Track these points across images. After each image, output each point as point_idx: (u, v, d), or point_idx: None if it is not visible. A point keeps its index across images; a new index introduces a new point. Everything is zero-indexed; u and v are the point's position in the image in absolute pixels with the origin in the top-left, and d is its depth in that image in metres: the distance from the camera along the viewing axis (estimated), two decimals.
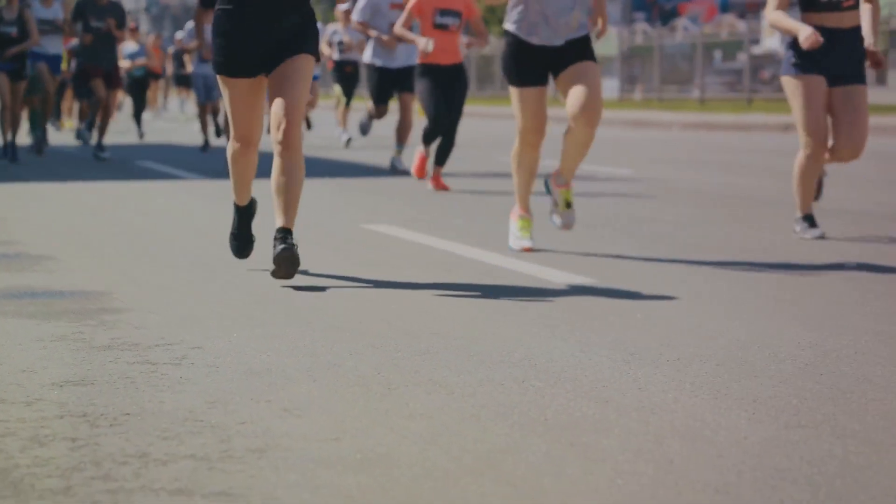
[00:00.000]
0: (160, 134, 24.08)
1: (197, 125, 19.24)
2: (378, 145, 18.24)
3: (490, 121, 29.70)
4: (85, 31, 15.79)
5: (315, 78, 17.52)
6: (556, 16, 6.75)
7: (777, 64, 33.68)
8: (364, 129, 15.61)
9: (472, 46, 11.25)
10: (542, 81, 6.89)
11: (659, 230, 8.08)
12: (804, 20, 7.44)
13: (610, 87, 36.49)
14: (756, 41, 35.41)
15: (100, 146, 16.02)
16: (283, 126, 5.75)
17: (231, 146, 6.11)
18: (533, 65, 6.84)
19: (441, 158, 11.34)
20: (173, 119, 33.73)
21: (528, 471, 2.98)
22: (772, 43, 36.14)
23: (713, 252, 6.97)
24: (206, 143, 18.37)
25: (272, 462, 3.05)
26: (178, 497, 2.79)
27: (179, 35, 25.95)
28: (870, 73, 23.81)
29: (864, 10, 7.58)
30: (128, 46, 22.60)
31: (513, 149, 7.13)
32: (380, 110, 14.01)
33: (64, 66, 18.32)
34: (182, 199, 10.90)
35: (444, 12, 11.17)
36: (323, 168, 13.86)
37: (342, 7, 18.76)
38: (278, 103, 5.76)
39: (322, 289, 5.72)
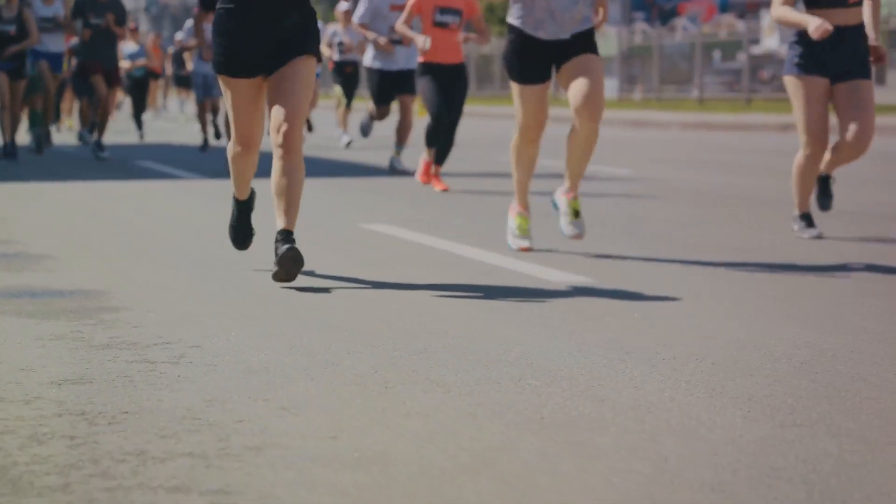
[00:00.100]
0: (160, 134, 24.09)
1: (197, 125, 19.24)
2: (378, 145, 18.25)
3: (490, 121, 29.72)
4: (85, 28, 15.81)
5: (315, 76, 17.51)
6: (561, 10, 6.73)
7: (776, 64, 33.69)
8: (365, 131, 15.58)
9: (468, 41, 11.18)
10: (544, 78, 6.87)
11: (658, 230, 8.10)
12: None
13: (609, 86, 36.48)
14: (755, 41, 35.43)
15: (99, 146, 16.03)
16: (283, 129, 5.74)
17: (232, 148, 6.11)
18: (536, 60, 6.82)
19: (440, 158, 11.34)
20: (173, 119, 33.75)
21: (523, 469, 2.99)
22: (771, 43, 36.16)
23: (712, 252, 6.99)
24: (206, 142, 18.38)
25: (269, 460, 3.07)
26: (175, 494, 2.81)
27: (179, 36, 25.96)
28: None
29: (866, 6, 7.58)
30: (127, 47, 22.61)
31: (512, 142, 7.12)
32: (381, 111, 14.02)
33: (64, 65, 18.31)
34: (181, 198, 10.92)
35: (444, 10, 11.17)
36: (323, 168, 13.87)
37: (342, 7, 18.77)
38: (279, 105, 5.75)
39: (321, 288, 5.73)
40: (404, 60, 13.22)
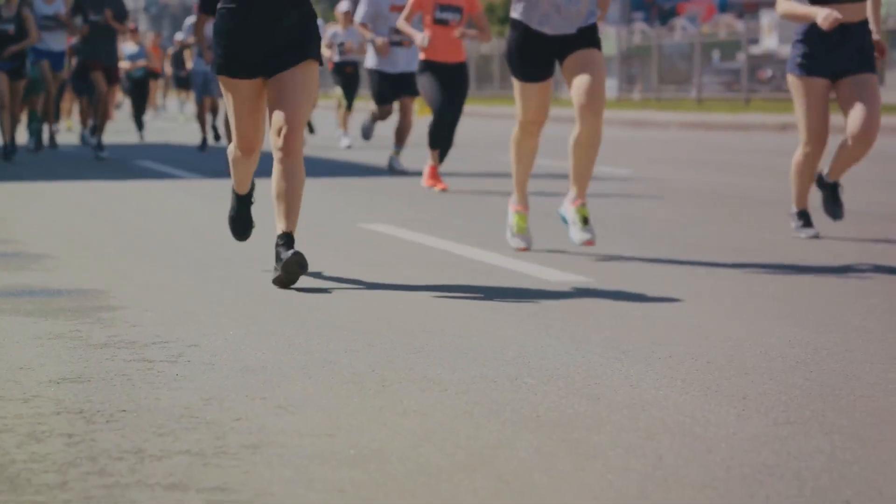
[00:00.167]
0: (159, 133, 24.11)
1: (197, 125, 19.25)
2: (378, 146, 18.27)
3: (490, 121, 29.74)
4: (84, 24, 15.81)
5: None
6: (567, 5, 6.69)
7: (775, 64, 33.73)
8: (366, 134, 15.44)
9: (465, 38, 11.11)
10: (546, 76, 6.84)
11: (657, 230, 8.12)
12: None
13: (609, 86, 36.37)
14: (755, 41, 35.44)
15: (99, 146, 16.04)
16: (284, 132, 5.72)
17: (232, 151, 6.10)
18: (540, 57, 6.78)
19: (439, 157, 11.34)
20: (172, 119, 33.77)
21: (519, 467, 3.01)
22: (770, 43, 36.18)
23: (711, 252, 7.00)
24: (204, 141, 18.39)
25: (266, 458, 3.09)
26: (172, 492, 2.83)
27: (179, 36, 25.98)
28: None
29: (868, 1, 7.56)
30: (127, 47, 22.62)
31: (512, 135, 7.09)
32: (383, 110, 13.95)
33: (65, 66, 18.32)
34: (180, 198, 10.94)
35: (445, 7, 11.16)
36: (323, 168, 13.89)
37: (342, 8, 18.78)
38: (280, 109, 5.74)
39: (320, 288, 5.75)
40: (405, 63, 13.22)
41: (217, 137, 19.52)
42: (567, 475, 2.94)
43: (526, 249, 7.07)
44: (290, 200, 5.80)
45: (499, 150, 16.50)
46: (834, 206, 7.77)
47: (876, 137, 7.42)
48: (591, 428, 3.34)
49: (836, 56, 7.41)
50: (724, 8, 50.82)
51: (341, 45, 18.45)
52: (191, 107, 34.55)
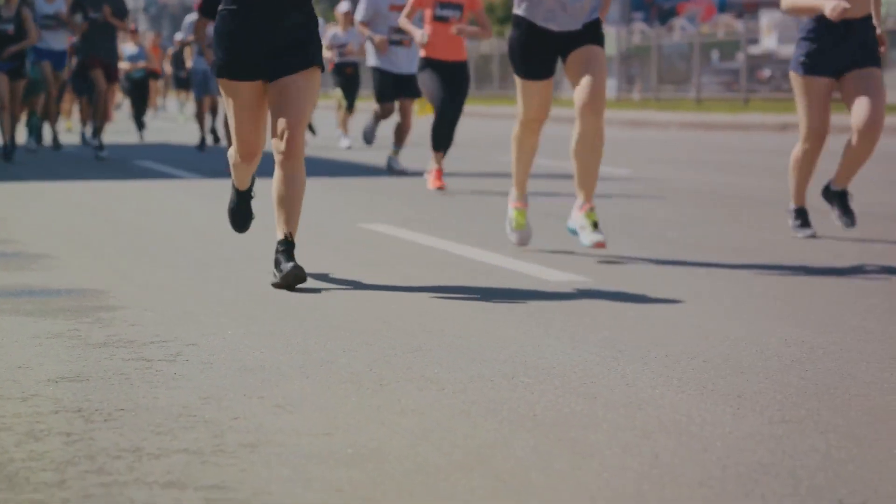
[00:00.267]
0: (158, 133, 24.13)
1: (196, 125, 19.26)
2: (377, 146, 18.26)
3: (489, 121, 29.75)
4: (83, 22, 15.82)
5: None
6: (572, 2, 6.65)
7: (774, 64, 33.73)
8: (368, 139, 15.19)
9: (462, 34, 11.04)
10: (549, 74, 6.80)
11: (656, 230, 8.13)
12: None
13: (608, 86, 36.20)
14: (754, 41, 35.45)
15: (99, 146, 16.05)
16: (285, 136, 5.71)
17: (233, 155, 6.07)
18: (543, 54, 6.74)
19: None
20: (172, 119, 33.78)
21: (516, 465, 3.02)
22: (769, 43, 36.19)
23: (710, 251, 7.02)
24: (203, 141, 18.40)
25: (264, 456, 3.10)
26: (170, 490, 2.84)
27: (179, 36, 25.98)
28: None
29: None
30: (127, 48, 22.62)
31: (513, 132, 7.07)
32: (385, 108, 13.76)
33: (67, 66, 18.32)
34: (180, 198, 10.95)
35: (445, 5, 11.14)
36: (323, 168, 13.90)
37: (342, 9, 18.78)
38: (282, 113, 5.71)
39: (318, 288, 5.76)
40: (406, 64, 13.21)
41: (216, 140, 19.50)
42: (563, 474, 2.96)
43: (523, 244, 7.09)
44: (291, 206, 5.79)
45: (499, 150, 16.52)
46: (845, 216, 7.63)
47: (881, 131, 7.34)
48: (587, 427, 3.35)
49: (839, 53, 7.40)
50: (723, 8, 50.83)
51: (343, 46, 18.44)
52: (191, 107, 34.57)
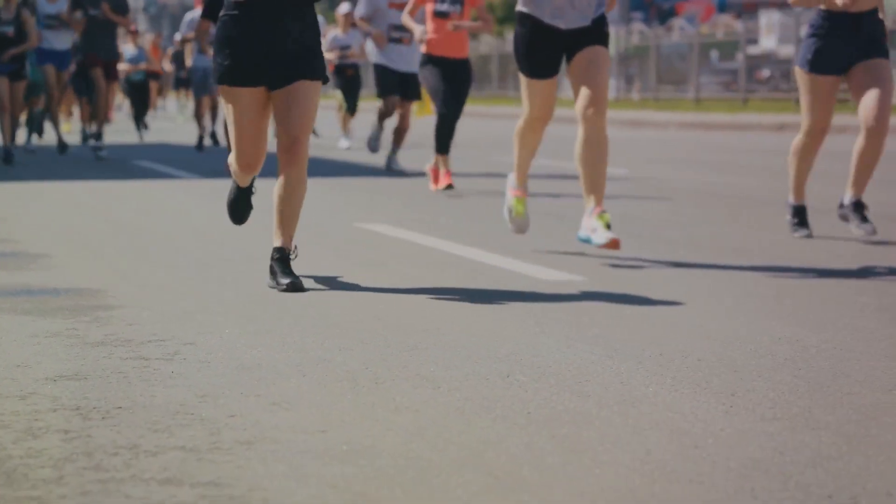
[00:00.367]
0: (157, 133, 24.15)
1: (196, 125, 19.28)
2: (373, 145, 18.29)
3: (489, 121, 29.77)
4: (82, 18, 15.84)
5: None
6: None
7: (773, 64, 33.75)
8: (373, 147, 14.99)
9: (458, 30, 11.01)
10: (554, 72, 6.74)
11: (654, 229, 8.16)
12: (827, 5, 7.35)
13: None
14: (753, 41, 35.48)
15: (99, 146, 16.07)
16: (290, 143, 5.70)
17: (234, 164, 6.02)
18: (549, 52, 6.67)
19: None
20: (171, 119, 33.81)
21: (509, 462, 3.05)
22: (768, 43, 36.21)
23: (708, 251, 7.04)
24: (201, 139, 18.42)
25: (260, 453, 3.13)
26: (167, 486, 2.87)
27: (178, 37, 26.01)
28: None
29: None
30: (127, 49, 22.64)
31: (517, 125, 7.03)
32: (389, 102, 13.55)
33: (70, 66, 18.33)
34: (179, 198, 10.98)
35: (445, 0, 11.14)
36: (322, 168, 13.92)
37: (343, 10, 18.79)
38: (287, 121, 5.69)
39: (316, 287, 5.79)
40: (407, 63, 13.20)
41: (216, 143, 19.48)
42: (555, 470, 2.99)
43: (522, 233, 7.13)
44: (291, 214, 5.79)
45: (499, 150, 16.55)
46: (864, 222, 7.49)
47: (887, 127, 7.29)
48: (580, 424, 3.38)
49: (847, 50, 7.36)
50: (722, 8, 50.86)
51: (346, 48, 18.43)
52: (191, 107, 34.58)
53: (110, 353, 4.32)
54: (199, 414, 3.51)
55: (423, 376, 3.96)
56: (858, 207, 7.55)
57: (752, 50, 34.85)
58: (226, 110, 5.87)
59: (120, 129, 24.95)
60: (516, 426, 3.37)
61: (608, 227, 6.47)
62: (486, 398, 3.67)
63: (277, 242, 5.81)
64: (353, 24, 17.88)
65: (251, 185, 6.36)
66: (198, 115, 18.76)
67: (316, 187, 10.93)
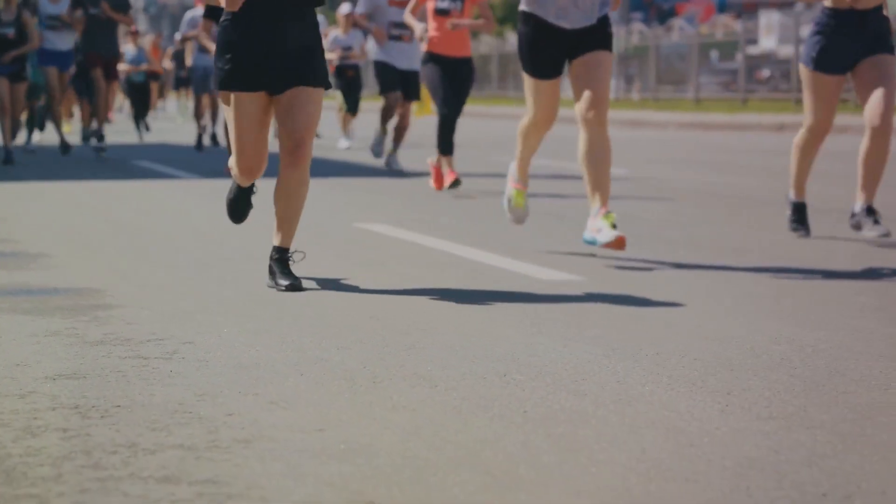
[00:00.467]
0: (157, 134, 24.16)
1: (195, 125, 19.28)
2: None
3: (489, 121, 29.78)
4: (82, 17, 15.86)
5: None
6: None
7: (773, 64, 33.74)
8: (377, 152, 14.88)
9: (457, 28, 11.00)
10: (559, 72, 6.72)
11: (654, 229, 8.17)
12: (835, 2, 7.34)
13: None
14: (753, 41, 35.49)
15: (101, 147, 16.07)
16: (294, 146, 5.69)
17: (233, 168, 6.00)
18: (553, 52, 6.65)
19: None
20: (170, 119, 33.82)
21: (505, 461, 3.07)
22: (768, 43, 36.22)
23: (707, 251, 7.06)
24: (200, 137, 18.42)
25: (258, 452, 3.15)
26: (165, 484, 2.89)
27: (179, 36, 26.02)
28: None
29: None
30: (127, 50, 22.64)
31: (522, 123, 7.02)
32: (391, 98, 13.47)
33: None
34: (178, 198, 11.00)
35: None
36: (322, 168, 13.93)
37: (343, 10, 18.80)
38: (291, 119, 5.67)
39: (315, 287, 5.81)
40: (407, 61, 13.21)
41: (216, 144, 19.47)
42: (552, 468, 3.00)
43: (520, 223, 7.16)
44: (292, 215, 5.80)
45: (498, 151, 16.56)
46: (877, 224, 7.35)
47: (892, 124, 7.24)
48: (576, 423, 3.40)
49: (853, 47, 7.33)
50: (722, 8, 50.88)
51: (348, 49, 18.43)
52: (191, 107, 34.57)
53: (109, 353, 4.34)
54: (198, 413, 3.52)
55: (420, 375, 3.98)
56: (870, 212, 7.42)
57: (752, 50, 34.85)
58: (227, 115, 5.84)
59: (120, 130, 24.96)
60: (513, 425, 3.39)
61: (614, 226, 6.47)
62: (482, 397, 3.69)
63: (277, 242, 5.83)
64: (355, 25, 17.91)
65: (252, 185, 6.36)
66: (197, 114, 18.76)
67: (316, 187, 10.91)
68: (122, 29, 19.35)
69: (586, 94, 6.57)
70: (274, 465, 3.03)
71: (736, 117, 25.69)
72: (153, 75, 25.53)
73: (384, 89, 13.42)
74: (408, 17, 11.15)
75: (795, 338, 4.55)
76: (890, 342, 4.51)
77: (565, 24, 6.63)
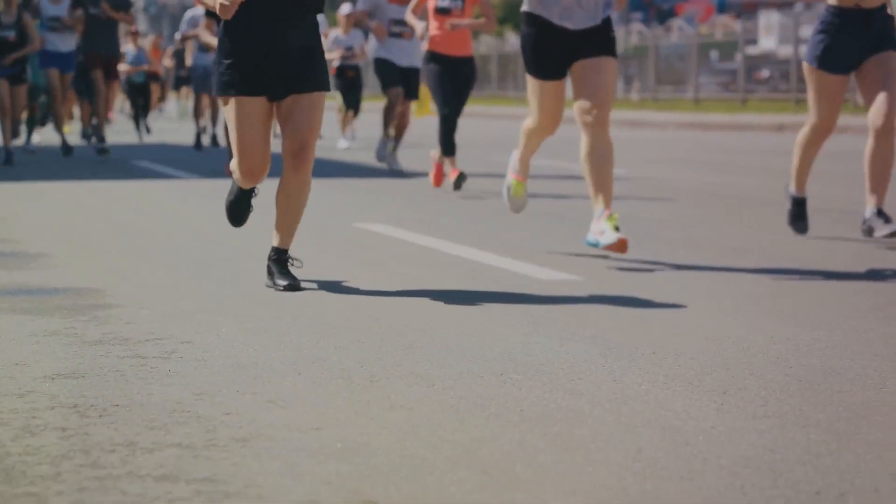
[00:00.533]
0: (157, 134, 24.17)
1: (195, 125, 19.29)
2: (374, 145, 18.31)
3: (489, 121, 29.80)
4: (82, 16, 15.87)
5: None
6: None
7: (772, 64, 33.77)
8: (382, 155, 14.87)
9: (456, 28, 10.98)
10: (563, 73, 6.70)
11: (653, 229, 8.18)
12: (840, 1, 7.32)
13: None
14: (752, 41, 35.51)
15: (103, 148, 16.08)
16: (297, 148, 5.67)
17: (235, 172, 5.96)
18: (557, 53, 6.62)
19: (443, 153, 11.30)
20: (170, 119, 33.83)
21: (502, 459, 3.08)
22: (767, 43, 36.24)
23: (707, 251, 7.07)
24: (199, 136, 18.43)
25: (256, 451, 3.16)
26: (163, 483, 2.90)
27: (179, 35, 26.03)
28: None
29: None
30: (128, 50, 22.65)
31: (526, 122, 7.01)
32: (392, 94, 13.40)
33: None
34: (178, 198, 11.00)
35: None
36: (321, 168, 13.89)
37: (344, 10, 18.81)
38: (295, 121, 5.66)
39: (314, 287, 5.82)
40: (408, 59, 13.21)
41: (216, 144, 19.45)
42: (548, 467, 3.02)
43: (518, 212, 7.22)
44: (293, 216, 5.81)
45: (498, 151, 16.57)
46: (887, 223, 7.20)
47: (895, 124, 7.19)
48: (572, 422, 3.41)
49: (857, 46, 7.29)
50: (722, 8, 50.89)
51: (349, 49, 18.43)
52: (191, 108, 34.58)
53: (108, 352, 4.35)
54: (196, 412, 3.54)
55: (417, 375, 3.99)
56: (880, 214, 7.28)
57: (751, 50, 34.88)
58: (227, 119, 5.81)
59: (120, 130, 24.98)
60: (510, 424, 3.40)
61: (616, 228, 6.47)
62: (479, 396, 3.71)
63: (276, 243, 5.84)
64: (355, 24, 17.92)
65: (253, 188, 6.35)
66: (196, 113, 18.77)
67: (316, 187, 10.88)
68: (122, 29, 19.34)
69: (587, 97, 6.56)
70: (271, 463, 3.05)
71: (735, 117, 25.71)
72: (153, 76, 25.54)
73: (385, 85, 13.37)
74: (409, 17, 11.16)
75: (792, 337, 4.56)
76: (887, 342, 4.52)
77: (569, 25, 6.61)
